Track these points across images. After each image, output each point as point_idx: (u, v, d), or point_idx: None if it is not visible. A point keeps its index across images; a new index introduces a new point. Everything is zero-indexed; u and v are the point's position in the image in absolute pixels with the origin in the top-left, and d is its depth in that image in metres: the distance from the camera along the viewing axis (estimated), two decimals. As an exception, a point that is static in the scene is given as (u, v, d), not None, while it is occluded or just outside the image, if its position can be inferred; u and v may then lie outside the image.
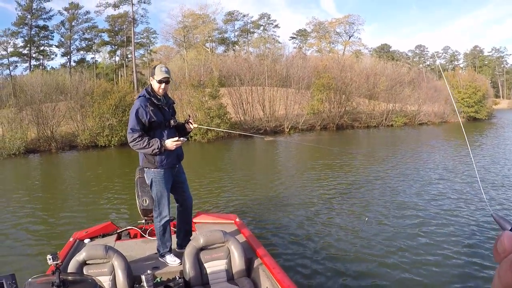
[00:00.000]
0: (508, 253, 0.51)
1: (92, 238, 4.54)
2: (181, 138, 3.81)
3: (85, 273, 3.18)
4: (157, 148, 3.63)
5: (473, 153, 16.50)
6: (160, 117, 3.76)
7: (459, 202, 8.68)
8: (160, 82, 3.72)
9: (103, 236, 4.63)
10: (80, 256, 3.28)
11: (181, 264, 3.69)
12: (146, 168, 3.88)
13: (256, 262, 3.71)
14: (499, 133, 28.35)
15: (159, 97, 3.80)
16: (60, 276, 1.89)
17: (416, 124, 35.17)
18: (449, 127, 36.72)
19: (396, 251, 5.94)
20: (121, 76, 57.44)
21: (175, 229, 4.33)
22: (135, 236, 4.79)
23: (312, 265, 5.48)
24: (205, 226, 4.74)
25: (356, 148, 20.77)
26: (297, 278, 5.00)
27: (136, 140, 3.63)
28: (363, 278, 5.11)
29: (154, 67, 3.86)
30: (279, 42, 58.91)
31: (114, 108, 23.86)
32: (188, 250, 3.56)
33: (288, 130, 28.42)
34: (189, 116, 4.25)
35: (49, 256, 2.11)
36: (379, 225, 7.20)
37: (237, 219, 4.92)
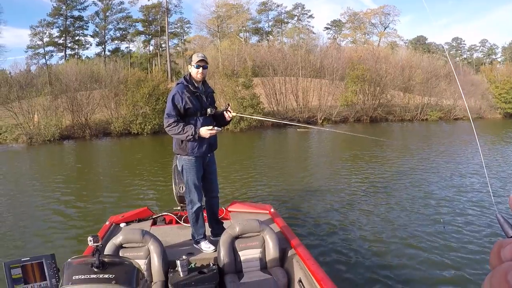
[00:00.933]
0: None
1: (128, 223, 4.61)
2: (216, 128, 3.78)
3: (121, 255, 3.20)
4: (191, 135, 3.66)
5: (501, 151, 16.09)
6: (196, 104, 3.79)
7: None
8: (197, 66, 3.77)
9: (139, 221, 4.69)
10: (117, 239, 3.35)
11: (215, 251, 3.75)
12: (178, 154, 3.94)
13: (290, 252, 3.73)
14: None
15: (196, 85, 3.83)
16: (100, 257, 1.92)
17: (452, 119, 34.43)
18: (484, 123, 35.82)
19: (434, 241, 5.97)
20: (155, 65, 58.24)
21: None
22: (170, 222, 4.82)
23: (347, 257, 5.49)
24: (240, 215, 4.78)
25: (389, 141, 20.53)
26: (330, 269, 4.97)
27: (172, 125, 3.68)
28: (399, 271, 5.10)
29: (191, 56, 3.92)
30: (313, 33, 58.56)
31: (147, 96, 24.41)
32: (224, 238, 3.59)
33: (321, 121, 28.45)
34: (228, 104, 4.20)
35: (90, 238, 2.11)
36: (414, 213, 7.38)
37: (272, 209, 4.90)
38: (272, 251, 3.64)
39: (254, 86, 27.30)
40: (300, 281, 3.25)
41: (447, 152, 15.90)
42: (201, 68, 3.78)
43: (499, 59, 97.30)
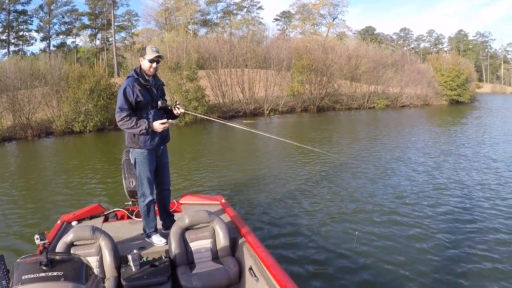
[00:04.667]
0: None
1: (79, 221, 4.55)
2: (169, 121, 3.86)
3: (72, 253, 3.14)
4: (145, 129, 3.67)
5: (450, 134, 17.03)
6: (147, 97, 3.77)
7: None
8: (151, 61, 3.74)
9: (91, 218, 4.66)
10: (68, 237, 3.34)
11: (167, 244, 3.75)
12: (130, 148, 3.93)
13: (240, 241, 3.81)
14: (477, 115, 28.74)
15: (147, 78, 3.81)
16: (48, 256, 1.93)
17: (398, 107, 35.06)
18: (431, 109, 36.82)
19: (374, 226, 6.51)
20: (102, 60, 56.31)
21: None
22: (122, 218, 4.82)
23: (296, 242, 5.84)
24: (191, 207, 4.81)
25: (336, 129, 20.76)
26: (281, 255, 5.31)
27: (124, 120, 3.64)
28: (343, 256, 5.41)
29: (144, 48, 3.86)
30: (262, 24, 58.19)
31: (89, 92, 23.12)
32: (174, 230, 3.64)
33: (268, 112, 28.00)
34: (176, 101, 4.30)
35: (36, 236, 2.17)
36: (354, 202, 7.84)
37: (223, 200, 4.99)
38: (222, 241, 3.73)
39: (199, 79, 26.46)
40: (250, 268, 3.33)
41: (390, 139, 16.60)
42: (155, 63, 3.78)
43: (445, 49, 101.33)
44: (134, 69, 3.86)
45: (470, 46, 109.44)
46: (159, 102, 3.87)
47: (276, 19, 68.06)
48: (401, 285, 4.91)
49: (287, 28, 63.60)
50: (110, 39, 56.55)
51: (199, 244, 3.70)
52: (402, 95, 36.09)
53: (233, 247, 3.83)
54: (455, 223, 7.06)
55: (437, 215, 7.36)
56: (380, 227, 6.60)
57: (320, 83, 30.38)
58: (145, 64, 3.77)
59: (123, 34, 60.79)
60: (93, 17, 55.22)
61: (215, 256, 3.72)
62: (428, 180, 9.82)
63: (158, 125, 3.73)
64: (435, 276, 5.22)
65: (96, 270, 3.25)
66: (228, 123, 5.29)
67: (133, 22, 60.66)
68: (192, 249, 3.67)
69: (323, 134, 18.47)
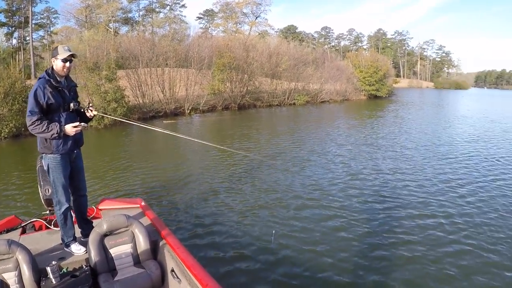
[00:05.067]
0: None
1: None
2: (82, 124, 3.68)
3: None
4: (56, 133, 3.52)
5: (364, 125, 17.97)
6: (59, 99, 3.62)
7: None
8: (64, 60, 3.61)
9: (7, 231, 4.38)
10: None
11: (86, 252, 3.66)
12: (43, 153, 3.74)
13: (161, 244, 3.76)
14: (391, 109, 30.56)
15: (59, 79, 3.66)
16: None
17: (318, 102, 36.41)
18: (350, 104, 38.69)
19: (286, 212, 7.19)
20: (18, 60, 53.00)
21: None
22: (40, 228, 4.57)
23: (216, 241, 6.00)
24: (110, 212, 4.73)
25: (257, 126, 21.21)
26: (203, 254, 5.45)
27: (35, 124, 3.47)
28: (265, 250, 5.69)
29: (56, 48, 3.71)
30: (185, 23, 57.75)
31: (3, 96, 21.76)
32: (92, 237, 3.54)
33: (189, 111, 27.94)
34: (89, 103, 4.06)
35: None
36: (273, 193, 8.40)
37: (143, 203, 4.92)
38: (143, 245, 3.67)
39: (119, 79, 25.78)
40: (172, 270, 3.32)
41: (309, 133, 17.37)
42: (68, 62, 3.65)
43: (365, 47, 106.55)
44: (46, 70, 3.70)
45: (389, 44, 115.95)
46: (72, 105, 3.74)
47: (199, 18, 67.86)
48: (322, 271, 5.24)
49: (209, 27, 63.71)
50: (27, 38, 53.38)
51: (119, 250, 3.62)
52: (322, 91, 37.54)
53: (154, 250, 3.78)
54: (372, 210, 7.66)
55: (354, 202, 7.97)
56: (299, 218, 7.05)
57: (241, 81, 30.81)
58: (58, 64, 3.64)
59: (41, 32, 57.56)
60: (9, 14, 51.65)
61: (137, 260, 3.66)
62: (346, 171, 10.54)
63: (70, 129, 3.60)
64: (355, 261, 5.58)
65: (15, 286, 3.15)
66: (142, 125, 5.13)
67: (52, 19, 57.63)
68: (113, 255, 3.58)
69: (244, 131, 18.71)
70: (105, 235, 3.63)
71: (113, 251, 3.61)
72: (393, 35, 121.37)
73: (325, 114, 28.20)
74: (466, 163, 12.11)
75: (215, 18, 64.15)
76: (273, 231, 6.28)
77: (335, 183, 9.33)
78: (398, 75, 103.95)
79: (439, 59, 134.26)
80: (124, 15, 59.02)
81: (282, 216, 7.14)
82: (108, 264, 3.55)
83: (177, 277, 3.22)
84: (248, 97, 30.98)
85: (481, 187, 9.35)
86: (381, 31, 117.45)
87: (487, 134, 18.99)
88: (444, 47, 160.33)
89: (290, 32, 75.92)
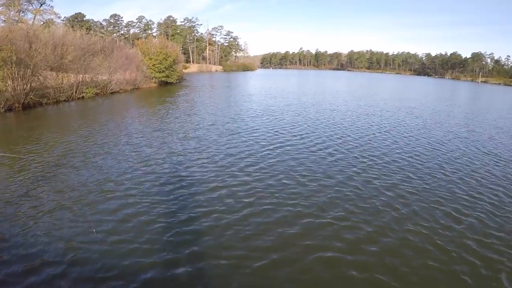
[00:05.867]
0: None
1: None
2: None
3: None
4: None
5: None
6: None
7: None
8: None
9: None
10: None
11: None
12: None
13: None
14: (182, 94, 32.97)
15: None
16: None
17: (108, 94, 36.53)
18: (141, 93, 39.93)
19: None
20: None
21: None
22: None
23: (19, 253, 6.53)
24: None
25: (45, 125, 20.43)
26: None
27: None
28: (81, 249, 6.56)
29: None
30: None
31: None
32: None
33: (-38, 113, 25.26)
34: None
35: None
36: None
37: None
38: None
39: None
40: None
41: (99, 127, 17.72)
42: None
43: (154, 34, 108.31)
44: None
45: (178, 31, 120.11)
46: None
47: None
48: (133, 255, 6.32)
49: (-12, 16, 55.82)
50: None
51: None
52: (112, 81, 37.68)
53: None
54: (170, 190, 9.00)
55: (151, 186, 9.16)
56: (100, 212, 7.87)
57: (23, 77, 28.96)
58: None
59: None
60: None
61: None
62: (140, 158, 11.78)
63: None
64: (164, 240, 6.70)
65: None
66: None
67: None
68: None
69: (30, 133, 17.24)
70: None
71: None
72: (183, 22, 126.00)
73: (115, 105, 28.77)
74: (250, 137, 15.37)
75: (-3, 7, 56.21)
76: (94, 230, 7.01)
77: (128, 172, 10.40)
78: (188, 61, 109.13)
79: (227, 44, 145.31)
80: None
81: (83, 213, 7.93)
82: None
83: None
84: (32, 95, 29.26)
85: (261, 157, 12.21)
86: (171, 18, 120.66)
87: (271, 109, 22.96)
88: (232, 32, 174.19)
89: (77, 21, 72.06)
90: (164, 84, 51.08)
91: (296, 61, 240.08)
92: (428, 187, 10.46)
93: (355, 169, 11.69)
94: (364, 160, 12.75)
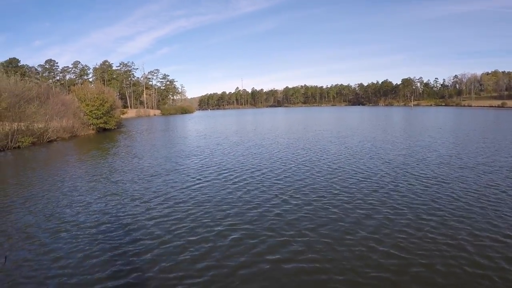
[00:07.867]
0: None
1: None
2: None
3: None
4: None
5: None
6: None
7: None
8: None
9: None
10: None
11: None
12: None
13: None
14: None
15: None
16: None
17: (45, 142, 35.41)
18: (79, 140, 39.05)
19: None
20: None
21: None
22: None
23: None
24: None
25: None
26: None
27: None
28: None
29: None
30: None
31: None
32: None
33: None
34: None
35: None
36: None
37: None
38: None
39: None
40: None
41: (37, 179, 17.15)
42: None
43: (90, 79, 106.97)
44: None
45: (115, 76, 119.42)
46: None
47: None
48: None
49: None
50: None
51: None
52: (48, 129, 36.72)
53: None
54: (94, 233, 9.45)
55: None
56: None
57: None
58: None
59: None
60: None
61: None
62: (75, 208, 11.84)
63: None
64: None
65: None
66: None
67: None
68: None
69: None
70: None
71: None
72: (119, 66, 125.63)
73: (52, 155, 27.66)
74: (171, 177, 16.25)
75: None
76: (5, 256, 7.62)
77: (59, 227, 10.14)
78: (125, 106, 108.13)
79: (164, 88, 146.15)
80: None
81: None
82: None
83: None
84: (-37, 145, 27.90)
85: (172, 197, 12.81)
86: (107, 63, 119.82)
87: (199, 150, 24.38)
88: (168, 75, 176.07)
89: (12, 66, 69.70)
90: (102, 130, 50.40)
91: (233, 101, 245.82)
92: (337, 210, 10.94)
93: (272, 203, 11.97)
94: (286, 195, 12.88)
